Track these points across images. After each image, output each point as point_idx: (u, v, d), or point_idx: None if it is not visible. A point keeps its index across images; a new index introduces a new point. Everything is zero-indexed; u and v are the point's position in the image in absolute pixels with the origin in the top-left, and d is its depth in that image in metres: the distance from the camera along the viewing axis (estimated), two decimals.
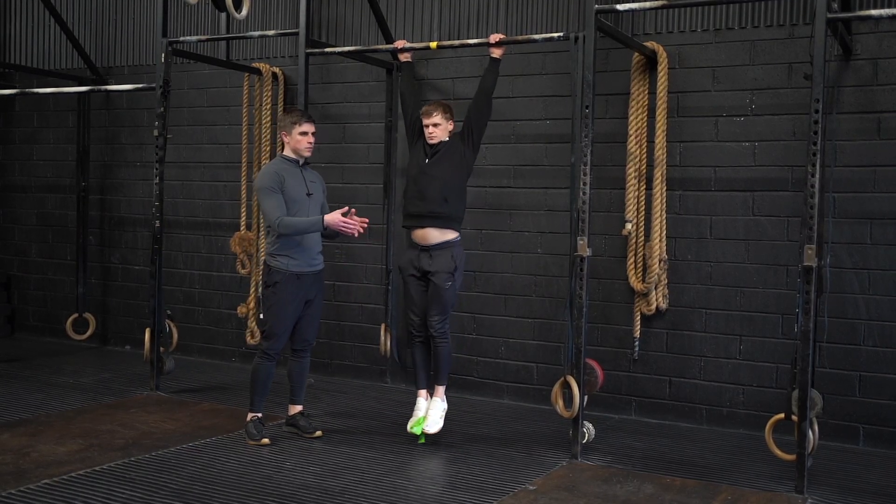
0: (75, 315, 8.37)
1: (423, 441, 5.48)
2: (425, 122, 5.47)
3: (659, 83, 6.07)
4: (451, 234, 5.44)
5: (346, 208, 5.20)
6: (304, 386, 5.63)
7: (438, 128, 5.44)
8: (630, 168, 6.13)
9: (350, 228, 5.15)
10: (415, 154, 5.59)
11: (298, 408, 5.64)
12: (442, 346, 5.48)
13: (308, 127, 5.40)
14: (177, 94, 7.64)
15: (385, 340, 7.01)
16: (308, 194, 5.36)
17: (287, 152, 5.45)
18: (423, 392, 5.60)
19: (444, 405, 5.54)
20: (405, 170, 7.02)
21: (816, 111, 4.65)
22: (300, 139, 5.38)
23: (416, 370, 5.64)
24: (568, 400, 5.31)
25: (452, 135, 5.54)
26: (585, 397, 5.27)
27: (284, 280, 5.33)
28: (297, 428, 5.59)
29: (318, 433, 5.56)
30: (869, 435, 5.65)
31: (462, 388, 6.86)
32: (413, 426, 5.52)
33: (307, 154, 5.42)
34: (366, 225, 5.21)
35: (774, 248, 5.88)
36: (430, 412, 5.49)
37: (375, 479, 4.78)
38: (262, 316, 5.56)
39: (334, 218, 5.17)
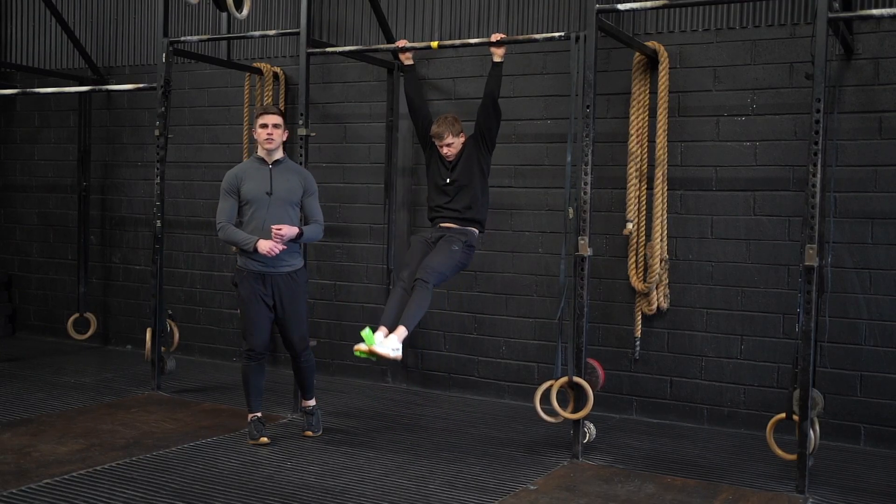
0: (76, 315, 8.37)
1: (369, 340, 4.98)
2: (438, 143, 5.53)
3: (660, 83, 6.06)
4: (473, 227, 5.56)
5: (281, 246, 5.22)
6: (307, 385, 5.62)
7: (452, 146, 5.51)
8: (631, 168, 6.13)
9: (268, 251, 5.18)
10: (433, 165, 5.65)
11: (307, 402, 5.69)
12: (420, 292, 5.12)
13: (265, 118, 5.37)
14: (178, 94, 7.64)
15: None
16: (268, 193, 5.32)
17: (258, 150, 5.46)
18: (384, 329, 5.11)
19: (399, 348, 5.05)
20: (405, 169, 7.08)
21: (818, 111, 4.65)
22: (260, 132, 5.38)
23: (387, 308, 5.24)
24: (562, 401, 5.31)
25: (466, 139, 5.58)
26: (556, 400, 5.26)
27: (242, 278, 5.37)
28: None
29: (308, 433, 5.59)
30: (870, 434, 5.65)
31: (463, 388, 6.86)
32: (366, 336, 4.99)
33: (268, 147, 5.35)
34: (278, 236, 5.19)
35: (775, 247, 5.87)
36: (385, 341, 4.99)
37: (376, 479, 4.78)
38: None
39: (263, 246, 5.18)
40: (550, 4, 6.53)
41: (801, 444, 4.72)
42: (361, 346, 4.98)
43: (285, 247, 5.26)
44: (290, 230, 5.25)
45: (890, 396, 5.59)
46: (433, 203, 5.64)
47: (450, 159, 5.55)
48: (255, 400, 5.47)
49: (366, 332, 5.00)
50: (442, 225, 5.56)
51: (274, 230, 5.19)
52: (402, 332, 5.08)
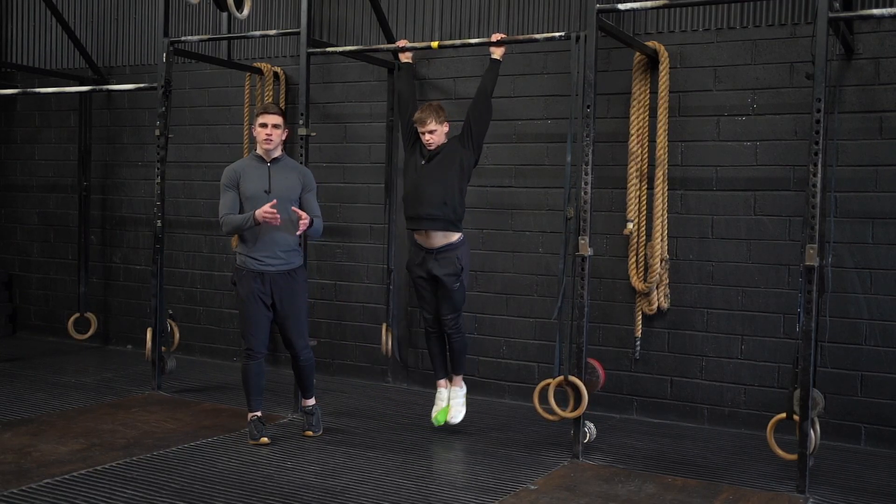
0: (77, 314, 8.37)
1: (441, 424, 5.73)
2: (420, 130, 5.45)
3: (660, 82, 6.06)
4: (454, 236, 5.47)
5: (274, 201, 5.16)
6: (307, 385, 5.62)
7: (434, 134, 5.44)
8: (631, 167, 6.13)
9: (271, 218, 5.11)
10: (412, 157, 5.58)
11: (307, 402, 5.68)
12: (457, 341, 5.64)
13: (265, 118, 5.37)
14: (178, 94, 7.64)
15: (386, 340, 7.01)
16: (266, 191, 5.30)
17: (257, 148, 5.46)
18: (442, 381, 5.77)
19: (464, 390, 5.77)
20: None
21: (818, 110, 4.65)
22: (259, 131, 5.37)
23: (433, 361, 5.79)
24: (563, 400, 5.31)
25: (451, 137, 5.54)
26: (551, 395, 5.26)
27: (241, 277, 5.35)
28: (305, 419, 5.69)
29: (308, 433, 5.59)
30: (871, 434, 5.65)
31: None
32: (436, 416, 5.71)
33: (266, 146, 5.35)
34: (274, 210, 5.13)
35: (776, 247, 5.87)
36: (453, 401, 5.73)
37: (376, 479, 4.78)
38: None
39: (259, 211, 5.13)
40: (550, 4, 6.53)
41: (801, 444, 4.71)
42: (438, 420, 5.72)
43: (276, 215, 5.14)
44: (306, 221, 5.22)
45: (890, 396, 5.59)
46: (408, 199, 5.50)
47: (430, 148, 5.45)
48: (256, 399, 5.47)
49: (436, 419, 5.70)
50: (424, 245, 5.46)
51: (299, 215, 5.14)
52: (458, 380, 5.76)
